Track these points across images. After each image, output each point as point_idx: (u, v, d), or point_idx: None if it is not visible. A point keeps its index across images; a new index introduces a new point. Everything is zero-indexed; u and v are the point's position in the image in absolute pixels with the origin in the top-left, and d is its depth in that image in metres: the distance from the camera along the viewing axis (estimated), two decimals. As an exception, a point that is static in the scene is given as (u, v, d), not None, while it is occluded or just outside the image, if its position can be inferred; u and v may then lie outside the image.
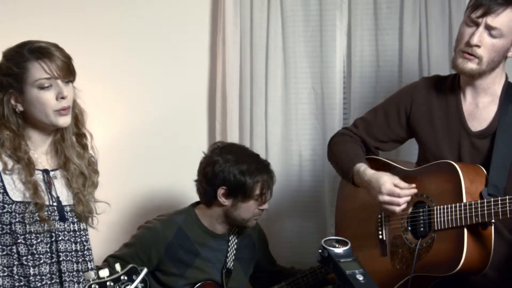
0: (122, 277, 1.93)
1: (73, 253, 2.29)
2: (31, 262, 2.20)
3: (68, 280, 2.25)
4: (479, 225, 2.35)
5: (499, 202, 2.28)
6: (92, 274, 1.91)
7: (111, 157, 3.44)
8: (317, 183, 3.39)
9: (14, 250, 2.18)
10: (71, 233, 2.29)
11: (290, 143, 3.44)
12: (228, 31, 3.41)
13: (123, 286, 1.93)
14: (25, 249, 2.19)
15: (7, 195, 2.18)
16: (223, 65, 3.43)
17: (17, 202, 2.19)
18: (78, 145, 2.33)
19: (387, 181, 2.47)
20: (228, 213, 2.87)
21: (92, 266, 2.33)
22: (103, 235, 3.11)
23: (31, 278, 2.19)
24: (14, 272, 2.18)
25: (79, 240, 2.31)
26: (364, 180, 2.53)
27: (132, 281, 1.94)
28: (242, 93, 3.43)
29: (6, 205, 2.18)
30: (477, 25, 2.40)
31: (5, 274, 2.17)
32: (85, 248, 2.33)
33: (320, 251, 1.92)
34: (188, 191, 3.20)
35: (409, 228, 2.51)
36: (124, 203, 3.52)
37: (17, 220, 2.18)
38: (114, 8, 3.57)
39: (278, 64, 3.43)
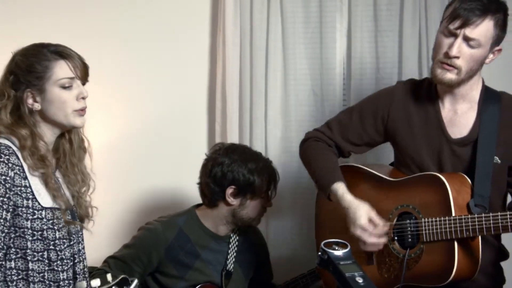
0: None
1: (78, 252, 2.30)
2: (61, 267, 2.19)
3: (78, 281, 2.25)
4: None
5: (491, 217, 2.27)
6: (84, 284, 1.93)
7: (111, 158, 3.45)
8: (317, 184, 3.39)
9: (45, 256, 2.17)
10: (77, 233, 2.30)
11: (290, 144, 3.44)
12: (228, 31, 3.41)
13: None
14: (55, 255, 2.18)
15: (36, 200, 2.15)
16: (223, 66, 3.43)
17: (47, 208, 2.16)
18: (81, 149, 2.34)
19: (363, 216, 2.44)
20: (235, 213, 2.87)
21: (86, 264, 2.33)
22: (104, 236, 3.13)
23: (61, 283, 2.19)
24: (45, 277, 2.17)
25: (80, 239, 2.32)
26: (342, 204, 2.49)
27: None
28: (242, 94, 3.43)
29: (36, 211, 2.14)
30: (455, 36, 2.36)
31: (37, 279, 2.15)
32: (82, 246, 2.34)
33: (319, 253, 1.92)
34: (188, 191, 3.20)
35: (396, 238, 2.48)
36: (124, 204, 3.52)
37: (48, 226, 2.17)
38: (114, 8, 3.57)
39: (278, 65, 3.43)
